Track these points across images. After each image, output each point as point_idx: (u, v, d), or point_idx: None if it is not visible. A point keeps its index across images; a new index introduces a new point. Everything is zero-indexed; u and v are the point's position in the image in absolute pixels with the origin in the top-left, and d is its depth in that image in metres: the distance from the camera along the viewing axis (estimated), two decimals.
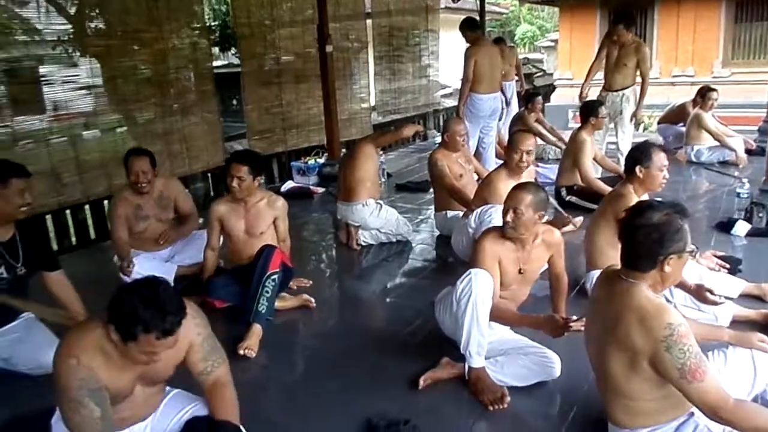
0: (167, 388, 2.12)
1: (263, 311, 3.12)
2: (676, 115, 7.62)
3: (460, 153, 4.46)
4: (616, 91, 5.86)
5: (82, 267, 4.37)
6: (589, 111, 5.17)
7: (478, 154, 5.96)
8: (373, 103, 8.36)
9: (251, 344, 2.99)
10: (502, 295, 2.73)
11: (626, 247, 1.93)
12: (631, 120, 5.83)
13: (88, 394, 1.71)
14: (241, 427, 1.96)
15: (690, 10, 13.47)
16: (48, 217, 4.88)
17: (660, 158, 3.15)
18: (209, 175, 6.28)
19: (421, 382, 2.56)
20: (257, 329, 3.07)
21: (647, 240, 1.85)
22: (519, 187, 2.73)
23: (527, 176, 3.78)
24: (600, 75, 6.14)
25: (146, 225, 3.79)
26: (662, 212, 1.88)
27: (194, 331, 1.94)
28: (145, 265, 3.54)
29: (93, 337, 1.78)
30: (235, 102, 7.52)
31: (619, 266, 2.01)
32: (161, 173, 5.43)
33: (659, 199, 3.17)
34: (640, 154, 3.18)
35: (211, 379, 2.00)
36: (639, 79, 5.93)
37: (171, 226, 3.90)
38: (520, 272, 2.74)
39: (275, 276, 3.19)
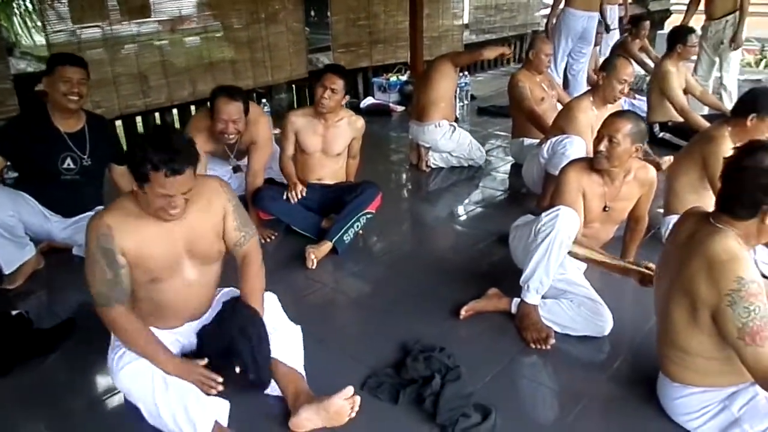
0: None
1: (346, 240, 3.12)
2: None
3: (543, 76, 4.18)
4: (718, 18, 5.24)
5: None
6: (676, 38, 4.67)
7: (566, 81, 5.58)
8: (466, 21, 7.94)
9: (319, 253, 3.02)
10: (584, 233, 2.54)
11: (727, 189, 1.73)
12: (731, 47, 5.21)
13: (101, 252, 1.79)
14: (259, 311, 2.00)
15: None
16: (138, 118, 5.13)
17: None
18: (293, 86, 6.29)
19: (463, 312, 2.50)
20: (329, 246, 3.08)
21: (754, 184, 1.65)
22: (617, 114, 2.49)
23: (614, 108, 3.46)
24: None
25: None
26: None
27: (225, 197, 2.01)
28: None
29: (121, 200, 1.90)
30: (322, 14, 7.40)
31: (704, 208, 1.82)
32: (244, 81, 5.55)
33: None
34: (764, 99, 2.79)
35: (243, 251, 2.07)
36: None
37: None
38: (605, 209, 2.54)
39: (371, 216, 3.21)
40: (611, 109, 3.36)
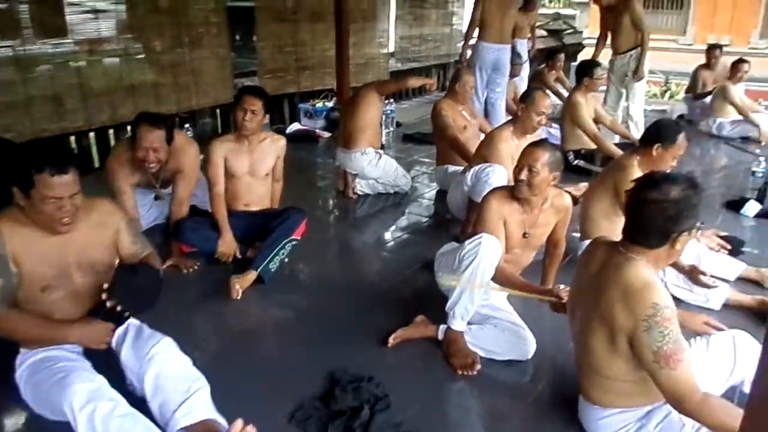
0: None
1: (272, 269, 3.07)
2: (692, 82, 7.35)
3: (465, 105, 4.31)
4: (623, 53, 5.60)
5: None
6: (583, 71, 4.97)
7: (486, 112, 5.79)
8: (392, 49, 8.10)
9: (244, 283, 2.95)
10: (506, 258, 2.63)
11: (634, 220, 1.81)
12: (635, 78, 5.57)
13: None
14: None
15: None
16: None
17: (682, 146, 2.97)
18: (218, 111, 6.19)
19: (391, 339, 2.50)
20: (254, 275, 3.02)
21: (662, 216, 1.73)
22: (535, 145, 2.58)
23: (533, 139, 3.61)
24: None
25: None
26: (680, 186, 1.75)
27: (118, 215, 2.15)
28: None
29: (12, 210, 1.90)
30: (247, 38, 7.38)
31: (610, 238, 1.90)
32: (167, 106, 5.42)
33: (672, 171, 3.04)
34: (666, 130, 2.97)
35: (141, 259, 2.15)
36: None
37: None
38: (524, 236, 2.63)
39: (296, 243, 3.17)
40: (530, 138, 3.50)
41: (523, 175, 2.47)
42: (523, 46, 6.94)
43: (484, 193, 2.72)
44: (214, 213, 3.25)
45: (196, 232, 3.22)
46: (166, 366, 1.93)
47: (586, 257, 2.01)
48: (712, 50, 7.17)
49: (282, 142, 3.39)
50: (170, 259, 3.20)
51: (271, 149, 3.33)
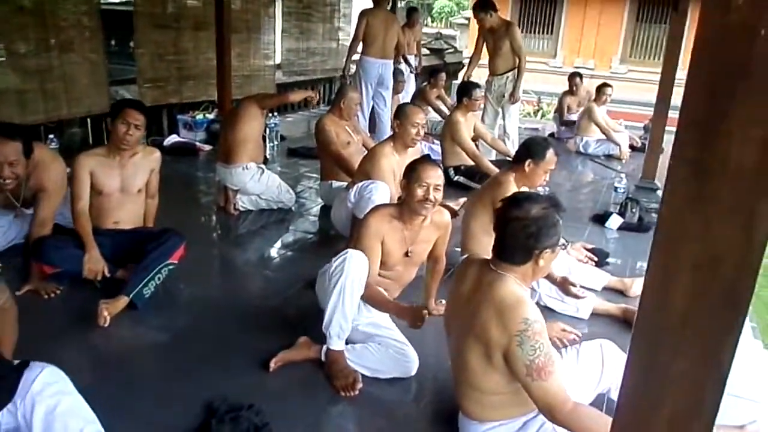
0: None
1: (146, 295, 2.87)
2: (559, 106, 7.88)
3: (349, 122, 4.32)
4: (500, 74, 5.85)
5: None
6: (462, 92, 5.18)
7: (374, 126, 5.87)
8: (278, 61, 8.00)
9: (113, 309, 2.72)
10: (387, 275, 2.64)
11: (500, 238, 1.89)
12: (510, 101, 5.86)
13: None
14: None
15: (596, 3, 13.95)
16: None
17: (551, 161, 3.13)
18: (88, 120, 5.77)
19: (272, 363, 2.42)
20: (125, 301, 2.80)
21: (523, 233, 1.82)
22: (429, 163, 2.61)
23: (414, 153, 3.68)
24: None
25: None
26: (540, 205, 1.85)
27: None
28: None
29: None
30: (132, 44, 6.99)
31: (481, 255, 1.96)
32: (34, 115, 4.98)
33: (537, 190, 3.19)
34: (535, 148, 3.12)
35: None
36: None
37: None
38: (406, 255, 2.64)
39: (173, 267, 2.98)
40: (411, 153, 3.58)
41: (433, 195, 2.49)
42: (411, 61, 7.13)
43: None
44: (77, 229, 3.00)
45: (60, 250, 2.95)
46: (56, 401, 1.67)
47: (459, 275, 2.06)
48: (574, 78, 7.76)
49: (156, 155, 3.22)
50: (29, 284, 2.92)
51: (144, 163, 3.15)
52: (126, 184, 3.10)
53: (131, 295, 2.81)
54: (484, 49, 5.95)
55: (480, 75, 6.08)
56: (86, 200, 2.99)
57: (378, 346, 2.46)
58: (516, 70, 5.76)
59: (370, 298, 2.46)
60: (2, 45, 4.83)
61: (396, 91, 6.33)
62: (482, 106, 5.67)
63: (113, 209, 3.10)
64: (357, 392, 2.32)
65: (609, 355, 2.20)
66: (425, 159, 2.71)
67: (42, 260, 2.94)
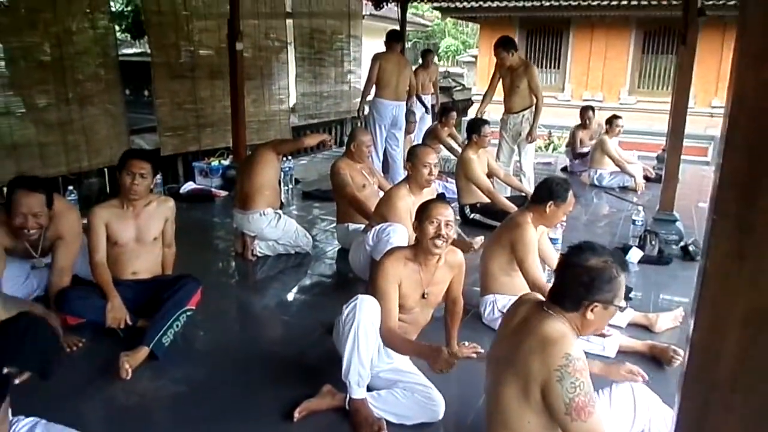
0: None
1: (165, 343, 2.86)
2: (571, 139, 7.89)
3: (363, 164, 4.34)
4: (516, 113, 5.87)
5: None
6: (471, 129, 5.20)
7: (387, 167, 5.91)
8: (293, 105, 8.13)
9: (134, 361, 2.73)
10: (404, 318, 2.60)
11: (557, 281, 1.89)
12: (528, 140, 5.87)
13: None
14: None
15: (602, 37, 14.07)
16: None
17: (571, 203, 3.14)
18: (105, 170, 5.87)
19: (296, 413, 2.38)
20: (146, 351, 2.80)
21: (576, 281, 1.80)
22: (438, 201, 2.64)
23: (429, 193, 3.70)
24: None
25: None
26: (601, 258, 1.82)
27: None
28: None
29: None
30: (147, 93, 7.19)
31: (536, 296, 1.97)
32: (56, 167, 5.08)
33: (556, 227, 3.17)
34: (557, 189, 3.10)
35: None
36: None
37: None
38: (423, 297, 2.62)
39: (191, 313, 2.99)
40: (426, 194, 3.60)
41: (446, 231, 2.50)
42: (428, 101, 7.24)
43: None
44: (97, 280, 3.03)
45: (84, 300, 2.97)
46: None
47: (510, 312, 2.05)
48: (586, 111, 7.77)
49: (170, 203, 3.25)
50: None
51: (159, 212, 3.19)
52: (141, 234, 3.13)
53: (151, 345, 2.81)
54: (499, 86, 5.98)
55: (491, 110, 6.13)
56: (103, 251, 3.03)
57: (403, 392, 2.42)
58: (533, 108, 5.79)
59: (389, 339, 2.42)
60: (21, 99, 4.98)
61: (408, 131, 6.40)
62: (494, 142, 5.69)
63: (130, 260, 3.13)
64: None
65: (641, 397, 2.15)
66: (435, 199, 2.74)
67: (66, 311, 2.96)
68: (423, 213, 2.56)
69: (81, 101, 5.35)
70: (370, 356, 2.36)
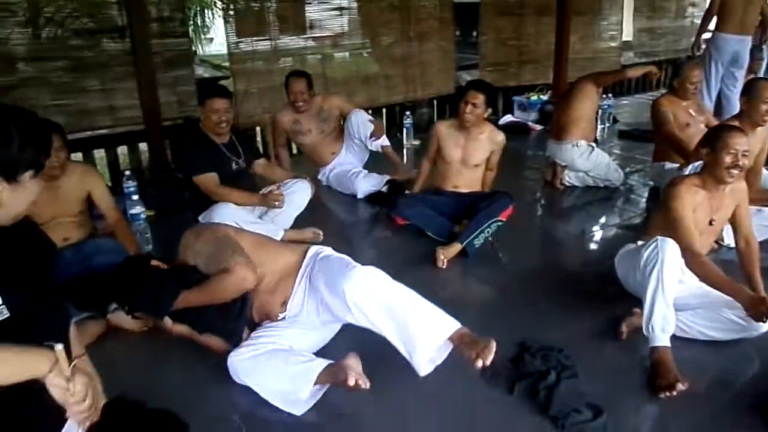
0: None
1: (476, 245, 3.31)
2: None
3: (690, 102, 4.08)
4: None
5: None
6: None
7: (721, 107, 5.38)
8: (629, 40, 7.77)
9: (448, 254, 3.22)
10: None
11: None
12: None
13: None
14: None
15: None
16: None
17: None
18: (434, 101, 6.56)
19: (624, 327, 2.49)
20: (458, 248, 3.26)
21: None
22: (735, 129, 2.57)
23: (762, 132, 3.40)
24: None
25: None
26: None
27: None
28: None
29: None
30: (475, 33, 7.68)
31: None
32: (396, 96, 5.94)
33: None
34: None
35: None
36: None
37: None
38: (710, 223, 2.57)
39: (501, 224, 3.38)
40: (760, 132, 3.32)
41: (740, 161, 2.42)
42: None
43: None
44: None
45: (411, 207, 3.55)
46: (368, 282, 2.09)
47: None
48: None
49: (500, 137, 3.57)
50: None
51: (488, 143, 3.55)
52: (466, 157, 3.56)
53: (464, 243, 3.25)
54: None
55: None
56: (431, 155, 3.68)
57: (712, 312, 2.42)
58: None
59: (697, 265, 2.35)
60: (369, 39, 5.87)
61: (752, 71, 5.64)
62: None
63: (453, 176, 3.61)
64: (675, 393, 2.10)
65: None
66: (729, 126, 2.60)
67: (395, 213, 3.59)
68: (718, 141, 2.47)
69: (420, 38, 6.05)
70: (673, 297, 2.28)
